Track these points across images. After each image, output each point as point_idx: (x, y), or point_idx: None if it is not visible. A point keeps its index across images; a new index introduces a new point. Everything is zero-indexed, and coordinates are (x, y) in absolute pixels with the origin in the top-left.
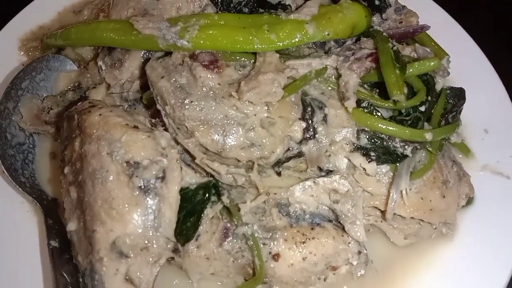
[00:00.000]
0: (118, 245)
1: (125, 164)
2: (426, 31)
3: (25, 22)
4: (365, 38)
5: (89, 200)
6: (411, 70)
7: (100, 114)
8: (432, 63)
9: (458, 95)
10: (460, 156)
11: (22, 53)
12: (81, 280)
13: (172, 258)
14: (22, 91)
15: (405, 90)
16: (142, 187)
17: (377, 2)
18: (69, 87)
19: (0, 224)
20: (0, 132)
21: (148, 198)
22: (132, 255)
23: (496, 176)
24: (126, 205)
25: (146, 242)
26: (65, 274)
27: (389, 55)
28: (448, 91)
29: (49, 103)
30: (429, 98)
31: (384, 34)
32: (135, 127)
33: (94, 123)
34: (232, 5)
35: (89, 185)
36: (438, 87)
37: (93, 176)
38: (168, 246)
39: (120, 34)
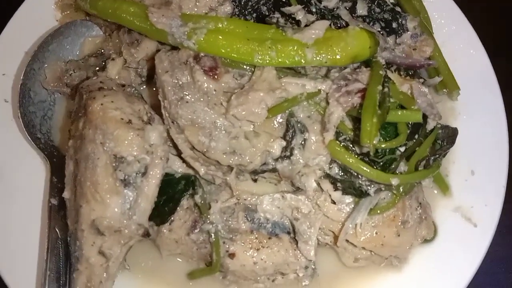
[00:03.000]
0: (96, 224)
1: (113, 157)
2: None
3: None
4: (364, 68)
5: (81, 179)
6: (392, 116)
7: (101, 104)
8: (413, 117)
9: (449, 137)
10: (435, 192)
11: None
12: (69, 238)
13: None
14: (49, 53)
15: (376, 140)
16: (123, 180)
17: (394, 25)
18: (92, 53)
19: (14, 170)
20: (24, 91)
21: (127, 190)
22: (107, 234)
23: (464, 221)
24: (108, 192)
25: (120, 226)
26: (57, 230)
27: (373, 100)
28: (441, 131)
29: (72, 66)
30: (416, 136)
31: (380, 72)
32: (129, 121)
33: (95, 112)
34: (250, 3)
35: (82, 165)
36: (429, 127)
37: (87, 159)
38: (139, 231)
39: (137, 20)
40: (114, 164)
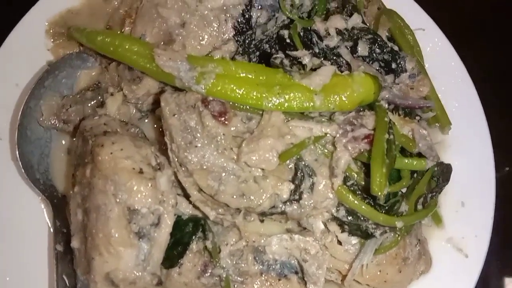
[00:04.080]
0: (111, 277)
1: (126, 209)
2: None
3: (54, 3)
4: (368, 112)
5: (92, 230)
6: (398, 164)
7: (111, 153)
8: (418, 165)
9: (444, 174)
10: (430, 226)
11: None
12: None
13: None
14: (45, 89)
15: (386, 190)
16: (137, 232)
17: (393, 66)
18: (89, 86)
19: (15, 215)
20: (21, 130)
21: (141, 243)
22: (121, 286)
23: (456, 251)
24: (123, 245)
25: (135, 278)
26: (65, 277)
27: (381, 149)
28: (436, 168)
29: (68, 102)
30: (414, 175)
31: (385, 119)
32: (140, 171)
33: (105, 162)
34: (254, 42)
35: (93, 217)
36: (427, 167)
37: (98, 211)
38: (153, 281)
39: (142, 60)
40: (127, 217)
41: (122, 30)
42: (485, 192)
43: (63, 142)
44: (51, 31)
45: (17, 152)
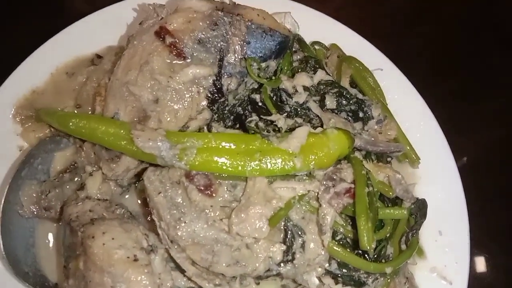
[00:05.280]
0: None
1: None
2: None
3: (17, 85)
4: (345, 165)
5: None
6: (381, 215)
7: (103, 244)
8: (400, 215)
9: (421, 210)
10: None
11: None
12: None
13: None
14: (22, 179)
15: (374, 244)
16: None
17: (361, 114)
18: (66, 168)
19: None
20: (3, 227)
21: None
22: None
23: (441, 280)
24: None
25: None
26: None
27: (364, 204)
28: (412, 206)
29: (47, 187)
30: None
31: (362, 172)
32: (135, 258)
33: (98, 254)
34: (227, 108)
35: None
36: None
37: None
38: None
39: (120, 142)
40: None
41: (93, 109)
42: (458, 219)
43: (48, 229)
44: (18, 115)
45: (2, 251)
